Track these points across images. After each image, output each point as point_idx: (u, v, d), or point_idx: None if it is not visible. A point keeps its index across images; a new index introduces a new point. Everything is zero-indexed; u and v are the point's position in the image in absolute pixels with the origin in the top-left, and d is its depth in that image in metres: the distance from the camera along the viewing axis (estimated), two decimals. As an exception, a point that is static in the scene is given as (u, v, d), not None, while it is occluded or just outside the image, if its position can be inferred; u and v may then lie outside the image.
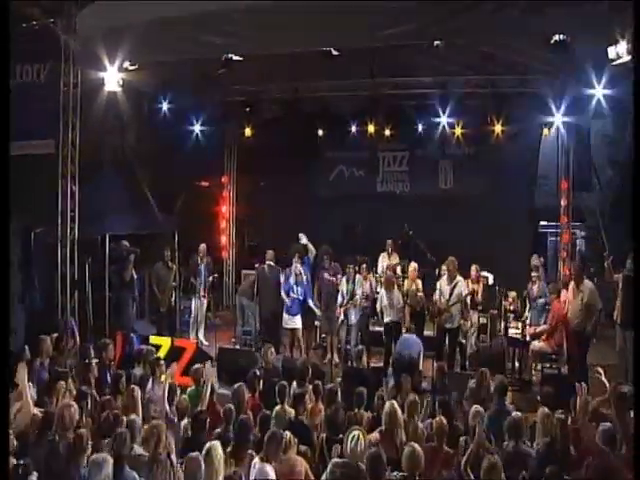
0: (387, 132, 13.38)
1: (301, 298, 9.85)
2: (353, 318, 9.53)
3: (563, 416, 5.68)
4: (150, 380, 6.69)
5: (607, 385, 6.53)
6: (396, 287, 9.38)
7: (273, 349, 7.92)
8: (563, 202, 12.96)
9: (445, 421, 5.84)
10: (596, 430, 5.64)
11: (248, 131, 13.40)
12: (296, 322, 9.83)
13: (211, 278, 11.48)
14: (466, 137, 13.29)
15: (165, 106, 11.45)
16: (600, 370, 6.67)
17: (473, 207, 13.78)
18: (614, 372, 8.40)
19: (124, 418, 5.34)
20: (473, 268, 10.07)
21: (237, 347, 10.61)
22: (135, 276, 10.33)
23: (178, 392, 6.54)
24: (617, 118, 10.39)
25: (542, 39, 7.86)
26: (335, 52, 8.29)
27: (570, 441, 5.54)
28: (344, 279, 9.76)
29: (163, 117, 11.47)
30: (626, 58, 8.03)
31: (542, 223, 14.81)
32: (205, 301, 11.53)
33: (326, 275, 10.07)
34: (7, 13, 5.34)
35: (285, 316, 9.86)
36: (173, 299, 10.75)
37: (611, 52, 8.14)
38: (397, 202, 14.70)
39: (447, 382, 7.73)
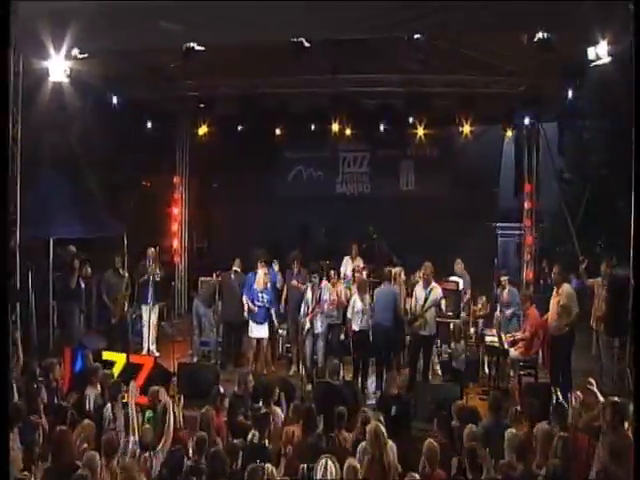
0: (348, 132, 12.91)
1: (267, 306, 9.25)
2: (319, 327, 8.96)
3: (565, 434, 5.36)
4: (109, 407, 5.96)
5: (599, 397, 6.27)
6: (369, 291, 8.91)
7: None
8: (527, 205, 12.81)
9: (436, 443, 5.45)
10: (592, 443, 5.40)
11: (202, 129, 12.70)
12: (262, 331, 9.22)
13: (158, 278, 10.61)
14: (429, 138, 12.97)
15: (115, 100, 10.60)
16: (592, 381, 6.39)
17: (435, 209, 13.56)
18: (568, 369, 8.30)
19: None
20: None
21: (196, 360, 9.91)
22: (82, 284, 9.49)
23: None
24: (587, 120, 10.29)
25: (525, 37, 7.51)
26: (307, 44, 7.69)
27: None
28: (308, 286, 9.17)
29: (112, 112, 10.62)
30: (606, 59, 7.83)
31: (493, 224, 14.74)
32: (157, 309, 10.73)
33: (295, 282, 9.50)
34: (7, 14, 4.84)
35: (251, 325, 9.23)
36: (125, 309, 9.93)
37: (591, 53, 7.94)
38: (357, 204, 14.34)
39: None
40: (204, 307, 10.01)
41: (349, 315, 8.80)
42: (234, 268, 9.81)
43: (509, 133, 12.90)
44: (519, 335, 8.83)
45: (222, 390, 6.26)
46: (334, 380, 7.04)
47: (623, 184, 14.57)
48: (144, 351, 10.17)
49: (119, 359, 7.88)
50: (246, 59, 11.19)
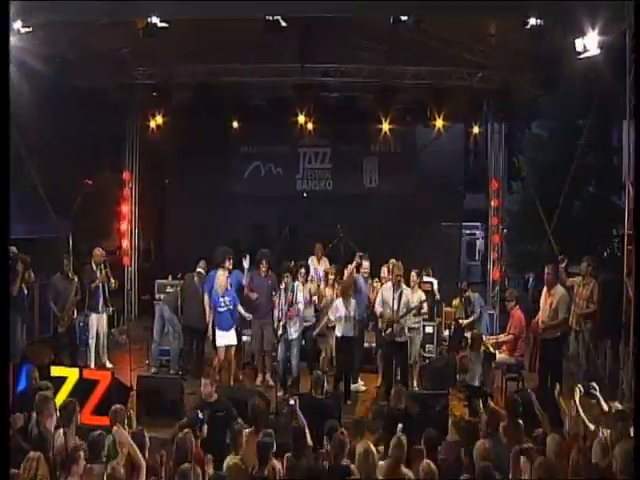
0: (310, 126, 12.27)
1: (231, 308, 8.45)
2: (294, 333, 8.29)
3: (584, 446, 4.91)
4: (60, 433, 5.11)
5: (602, 403, 5.88)
6: (352, 295, 8.29)
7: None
8: (493, 203, 12.50)
9: (433, 465, 4.90)
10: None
11: (154, 120, 11.78)
12: (230, 338, 8.40)
13: (114, 286, 9.69)
14: (394, 133, 12.49)
15: (60, 86, 9.59)
16: (595, 385, 5.99)
17: (400, 207, 13.14)
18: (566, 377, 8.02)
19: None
20: (413, 274, 9.16)
21: (154, 370, 9.04)
22: (25, 290, 8.48)
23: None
24: (564, 118, 10.04)
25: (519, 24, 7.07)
26: (283, 23, 7.00)
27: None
28: (281, 288, 8.46)
29: (57, 99, 9.61)
30: (595, 52, 7.46)
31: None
32: (105, 316, 9.77)
33: (261, 283, 8.76)
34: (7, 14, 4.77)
35: (218, 332, 8.39)
36: (75, 316, 8.95)
37: (579, 44, 7.56)
38: (319, 201, 13.72)
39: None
40: (170, 311, 9.12)
41: (332, 318, 8.17)
42: (198, 269, 8.99)
43: (476, 129, 12.58)
44: (502, 337, 8.45)
45: (201, 415, 5.48)
46: (318, 394, 6.38)
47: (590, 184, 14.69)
48: (93, 363, 9.23)
49: (71, 375, 6.92)
50: (204, 44, 10.49)
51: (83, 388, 6.79)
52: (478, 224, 16.39)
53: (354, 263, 9.04)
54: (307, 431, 5.67)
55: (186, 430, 5.03)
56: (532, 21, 6.96)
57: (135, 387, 7.53)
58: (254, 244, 13.18)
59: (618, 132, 14.30)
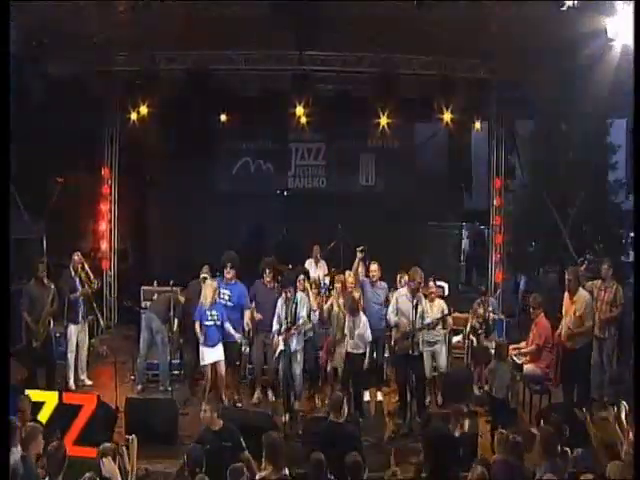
0: (303, 119, 11.46)
1: (219, 323, 7.62)
2: (296, 348, 7.50)
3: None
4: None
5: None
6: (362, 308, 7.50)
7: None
8: (496, 202, 11.88)
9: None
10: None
11: (135, 112, 10.82)
12: (217, 354, 7.60)
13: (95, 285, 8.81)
14: (392, 128, 11.74)
15: (32, 74, 8.65)
16: None
17: (397, 207, 12.42)
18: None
19: None
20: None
21: (140, 388, 8.18)
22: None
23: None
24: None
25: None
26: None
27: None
28: (280, 299, 7.66)
29: (31, 89, 8.68)
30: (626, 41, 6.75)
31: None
32: (87, 327, 8.88)
33: (267, 294, 7.96)
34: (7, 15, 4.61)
35: (203, 350, 7.55)
36: (51, 327, 8.01)
37: (610, 30, 6.89)
38: (312, 200, 12.91)
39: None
40: (160, 321, 8.22)
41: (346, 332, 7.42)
42: (202, 275, 8.14)
43: (477, 125, 11.91)
44: (523, 346, 7.79)
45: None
46: (337, 417, 5.60)
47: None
48: (72, 381, 8.32)
49: (49, 399, 6.00)
50: (193, 29, 9.69)
51: (64, 414, 5.91)
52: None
53: (355, 265, 8.30)
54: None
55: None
56: (569, 2, 6.27)
57: (123, 410, 6.66)
58: (244, 245, 12.44)
59: (618, 130, 13.83)
